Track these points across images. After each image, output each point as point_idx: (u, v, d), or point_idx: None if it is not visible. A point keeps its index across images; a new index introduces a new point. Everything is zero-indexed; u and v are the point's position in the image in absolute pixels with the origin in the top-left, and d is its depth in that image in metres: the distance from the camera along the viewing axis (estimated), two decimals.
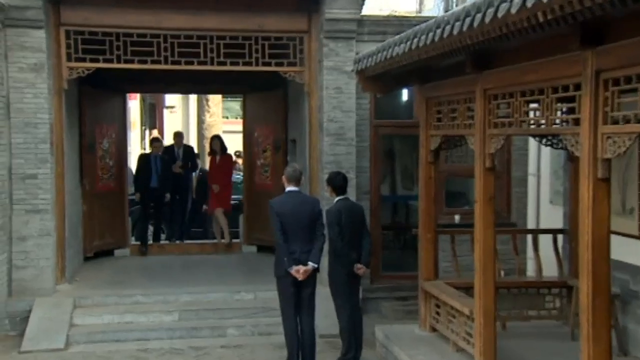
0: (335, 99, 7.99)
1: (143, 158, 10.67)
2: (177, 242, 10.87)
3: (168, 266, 9.60)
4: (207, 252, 10.53)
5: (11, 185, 7.49)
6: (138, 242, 10.45)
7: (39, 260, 7.58)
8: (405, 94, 8.87)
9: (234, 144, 13.46)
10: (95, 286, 8.24)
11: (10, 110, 7.45)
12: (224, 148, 10.81)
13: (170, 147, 11.46)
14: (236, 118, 22.68)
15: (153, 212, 10.60)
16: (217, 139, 10.94)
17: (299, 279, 5.87)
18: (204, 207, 11.01)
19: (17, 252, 7.52)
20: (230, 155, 11.23)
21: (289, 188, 6.07)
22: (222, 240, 10.56)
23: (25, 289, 7.52)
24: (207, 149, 18.86)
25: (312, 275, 6.00)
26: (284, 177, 6.13)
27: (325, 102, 7.99)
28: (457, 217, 8.48)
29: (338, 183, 6.38)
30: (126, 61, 7.79)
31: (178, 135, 11.58)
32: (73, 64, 7.76)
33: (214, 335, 7.24)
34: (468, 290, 5.86)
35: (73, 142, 8.90)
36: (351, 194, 7.35)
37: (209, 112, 19.05)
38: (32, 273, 7.55)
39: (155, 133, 18.25)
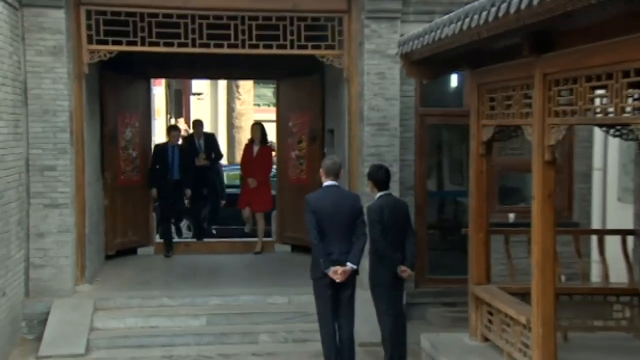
0: (377, 85, 7.98)
1: (159, 148, 10.48)
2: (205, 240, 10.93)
3: (195, 266, 9.68)
4: (237, 251, 10.62)
5: (28, 178, 7.59)
6: (162, 240, 10.57)
7: (58, 258, 7.68)
8: (454, 80, 8.81)
9: (268, 132, 13.53)
10: (118, 287, 8.34)
11: (27, 96, 7.56)
12: (265, 137, 10.62)
13: (190, 136, 11.42)
14: (269, 106, 22.80)
15: (172, 208, 10.44)
16: (258, 126, 10.70)
17: (337, 281, 5.91)
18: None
19: (35, 249, 7.63)
20: (270, 147, 10.93)
21: (327, 182, 6.09)
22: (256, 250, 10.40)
23: (43, 289, 7.62)
24: (239, 139, 18.87)
25: (352, 277, 6.02)
26: (321, 170, 6.16)
27: (366, 89, 7.99)
28: (511, 216, 8.41)
29: (380, 177, 6.39)
30: (151, 44, 7.84)
31: (197, 124, 11.40)
32: (94, 47, 7.84)
33: (245, 341, 7.28)
34: (524, 296, 5.80)
35: (94, 131, 9.01)
36: (394, 189, 7.34)
37: (239, 99, 19.15)
38: (50, 272, 7.66)
39: (180, 122, 18.42)
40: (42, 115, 7.59)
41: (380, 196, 6.36)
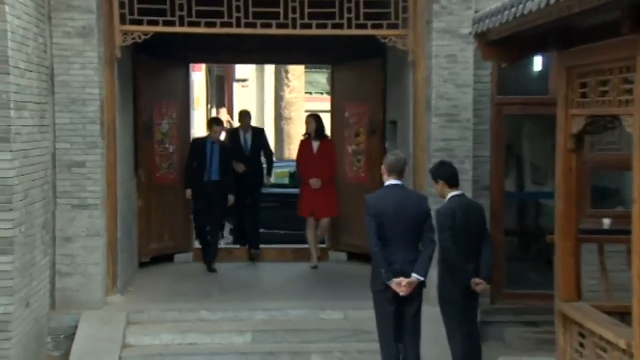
0: (448, 69, 7.93)
1: (197, 144, 10.29)
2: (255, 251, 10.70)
3: (239, 275, 9.74)
4: (285, 259, 10.64)
5: (54, 175, 7.70)
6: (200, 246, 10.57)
7: (87, 265, 7.77)
8: (537, 63, 8.67)
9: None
10: (152, 298, 8.41)
11: (54, 83, 7.66)
12: (322, 130, 10.41)
13: (235, 130, 11.31)
14: (322, 94, 22.87)
15: (208, 215, 9.96)
16: (313, 118, 10.48)
17: (401, 294, 5.93)
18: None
19: (62, 255, 7.74)
20: (331, 141, 10.69)
21: (390, 181, 6.10)
22: (312, 263, 10.21)
23: (70, 300, 7.70)
24: (287, 131, 18.74)
25: (418, 290, 6.02)
26: (383, 168, 6.17)
27: (434, 74, 7.94)
28: (606, 222, 8.14)
29: (448, 173, 6.38)
30: (190, 24, 7.89)
31: (244, 115, 10.98)
32: (127, 27, 7.90)
33: None
34: (623, 316, 5.68)
35: (126, 123, 9.09)
36: (466, 189, 7.32)
37: (288, 86, 19.21)
38: (78, 281, 7.75)
39: (222, 113, 18.49)
40: (70, 105, 7.68)
41: (452, 197, 6.35)
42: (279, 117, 19.61)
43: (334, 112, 11.18)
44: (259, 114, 23.03)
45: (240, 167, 10.38)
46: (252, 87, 23.97)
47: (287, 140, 19.16)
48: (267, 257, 10.68)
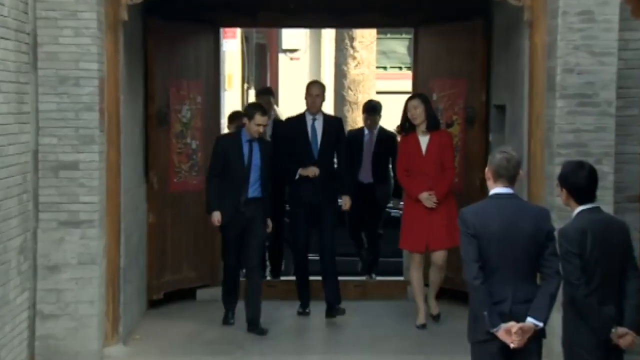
0: (580, 32, 7.88)
1: (225, 144, 9.64)
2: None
3: (283, 317, 9.73)
4: (347, 297, 10.26)
5: (37, 181, 7.70)
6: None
7: (78, 305, 7.77)
8: None
9: (395, 111, 13.35)
10: (166, 350, 8.39)
11: (37, 56, 7.70)
12: (433, 119, 9.59)
13: (288, 122, 10.67)
14: (400, 69, 22.74)
15: (243, 250, 9.51)
16: (420, 100, 9.54)
17: (512, 346, 5.77)
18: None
19: (44, 290, 7.75)
20: (448, 133, 10.06)
21: (497, 189, 6.05)
22: (432, 313, 9.78)
23: (55, 352, 7.67)
24: (353, 119, 18.59)
25: (535, 342, 5.91)
26: (487, 171, 6.11)
27: (560, 39, 7.88)
28: None
29: (581, 182, 6.22)
30: None
31: (315, 88, 10.13)
32: None
33: None
34: None
35: (134, 110, 9.17)
36: (605, 202, 7.20)
37: (354, 58, 19.19)
38: (66, 326, 7.74)
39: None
40: (59, 86, 7.72)
41: (581, 213, 6.18)
42: (340, 100, 19.52)
43: (417, 93, 10.59)
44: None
45: (311, 171, 9.72)
46: (305, 60, 23.96)
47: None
48: (319, 292, 10.04)
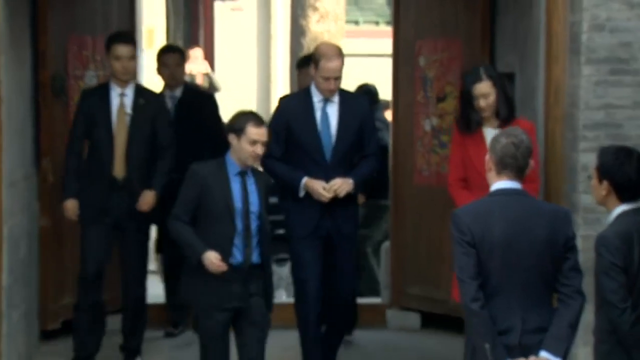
0: None
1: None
2: None
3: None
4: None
5: None
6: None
7: None
8: None
9: (373, 79, 13.49)
10: None
11: None
12: (509, 105, 8.50)
13: (287, 102, 9.82)
14: (377, 24, 22.80)
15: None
16: (488, 81, 8.42)
17: None
18: None
19: None
20: (529, 124, 8.80)
21: (500, 184, 6.21)
22: None
23: None
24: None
25: None
26: (488, 159, 6.25)
27: None
28: None
29: (632, 174, 6.30)
30: None
31: (335, 61, 9.16)
32: None
33: None
34: None
35: (19, 76, 8.92)
36: None
37: (316, 10, 19.07)
38: None
39: (195, 57, 18.46)
40: None
41: (624, 215, 6.28)
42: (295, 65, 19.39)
43: (399, 57, 10.96)
44: (261, 59, 22.87)
45: (319, 193, 8.81)
46: (251, 12, 23.94)
47: None
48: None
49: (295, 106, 8.82)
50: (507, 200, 6.13)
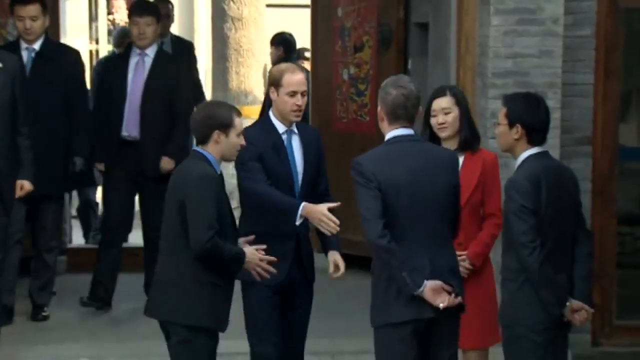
0: None
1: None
2: None
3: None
4: None
5: None
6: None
7: None
8: None
9: (293, 29, 13.38)
10: None
11: None
12: (470, 131, 7.59)
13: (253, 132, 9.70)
14: None
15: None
16: (450, 97, 7.52)
17: (441, 306, 6.00)
18: None
19: None
20: (492, 155, 7.94)
21: (394, 132, 6.27)
22: None
23: None
24: (238, 40, 18.31)
25: (455, 318, 6.21)
26: (380, 110, 6.33)
27: None
28: None
29: (542, 118, 6.39)
30: None
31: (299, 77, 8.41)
32: None
33: None
34: None
35: None
36: (549, 144, 7.09)
37: None
38: None
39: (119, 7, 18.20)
40: None
41: (530, 159, 6.34)
42: (219, 16, 19.03)
43: (318, 7, 11.09)
44: (184, 25, 22.46)
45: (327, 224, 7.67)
46: None
47: (235, 77, 18.56)
48: None
49: (265, 139, 7.72)
50: (405, 147, 6.22)
